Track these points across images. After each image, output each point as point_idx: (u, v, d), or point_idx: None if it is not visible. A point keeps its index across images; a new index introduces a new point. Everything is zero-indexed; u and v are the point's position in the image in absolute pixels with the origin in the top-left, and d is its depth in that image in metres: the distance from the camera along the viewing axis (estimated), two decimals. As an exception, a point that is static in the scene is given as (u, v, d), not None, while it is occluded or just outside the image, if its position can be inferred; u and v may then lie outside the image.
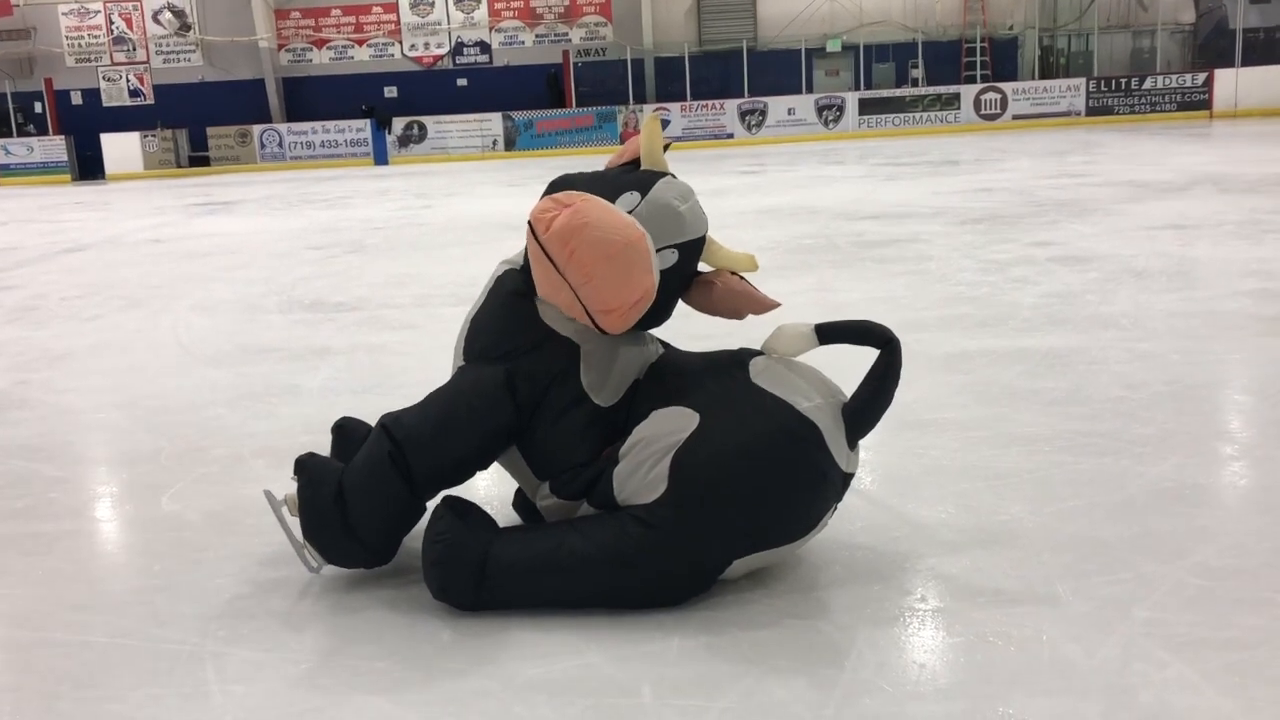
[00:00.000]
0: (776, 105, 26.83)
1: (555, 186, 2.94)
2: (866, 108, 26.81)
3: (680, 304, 3.05)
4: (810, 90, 27.82)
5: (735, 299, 2.97)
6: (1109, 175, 13.32)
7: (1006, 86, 26.71)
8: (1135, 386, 4.52)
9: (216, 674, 2.56)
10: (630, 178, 2.92)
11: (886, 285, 7.10)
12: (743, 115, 26.82)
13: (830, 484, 2.79)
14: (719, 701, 2.34)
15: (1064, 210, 10.19)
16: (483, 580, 2.73)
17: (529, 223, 2.74)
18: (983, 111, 26.48)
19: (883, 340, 2.82)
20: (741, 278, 3.00)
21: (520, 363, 2.85)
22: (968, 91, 26.73)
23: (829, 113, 26.88)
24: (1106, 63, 28.18)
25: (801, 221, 10.49)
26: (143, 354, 6.29)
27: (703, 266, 3.03)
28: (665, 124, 26.01)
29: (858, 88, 27.95)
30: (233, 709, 2.40)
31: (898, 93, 27.19)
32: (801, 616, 2.70)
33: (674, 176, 2.96)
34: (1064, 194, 11.48)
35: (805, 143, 25.51)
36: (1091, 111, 26.22)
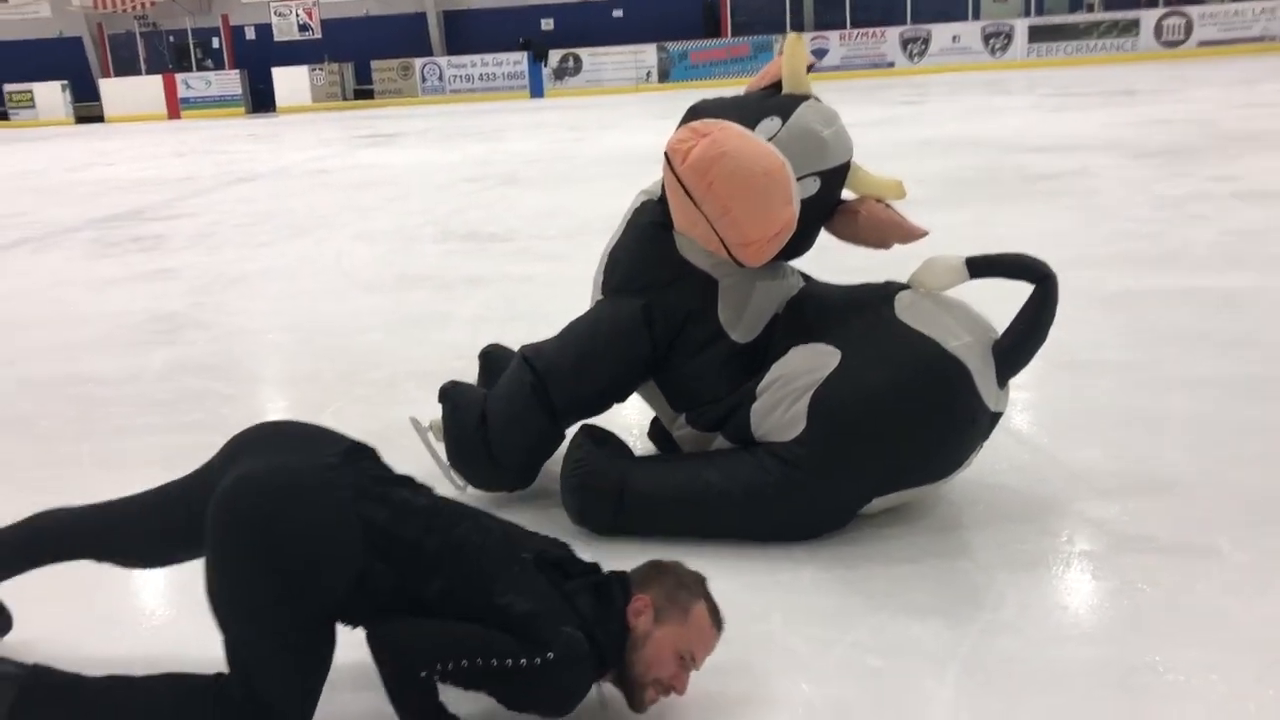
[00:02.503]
0: (940, 33, 25.75)
1: (694, 113, 2.89)
2: (1037, 35, 25.49)
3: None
4: (977, 17, 26.59)
5: (881, 228, 2.87)
6: (1304, 104, 12.37)
7: (1192, 10, 24.94)
8: (1318, 330, 4.23)
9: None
10: (771, 102, 2.85)
11: (1051, 220, 6.79)
12: (904, 44, 25.88)
13: (977, 424, 2.70)
14: (851, 634, 2.33)
15: (1250, 143, 9.52)
16: (620, 507, 2.77)
17: (665, 154, 2.70)
18: (1164, 38, 24.84)
19: (1038, 275, 2.69)
20: (888, 205, 2.90)
21: (657, 296, 2.83)
22: (1148, 17, 25.08)
23: (996, 41, 25.68)
24: (1310, -19, 26.00)
25: (962, 153, 10.12)
26: (307, 280, 6.56)
27: (847, 194, 2.95)
28: (823, 53, 25.36)
29: (1028, 14, 26.59)
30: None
31: (1071, 19, 25.74)
32: (941, 555, 2.66)
33: (818, 99, 2.88)
34: (1252, 125, 10.72)
35: (970, 72, 24.48)
36: (1289, 36, 24.28)
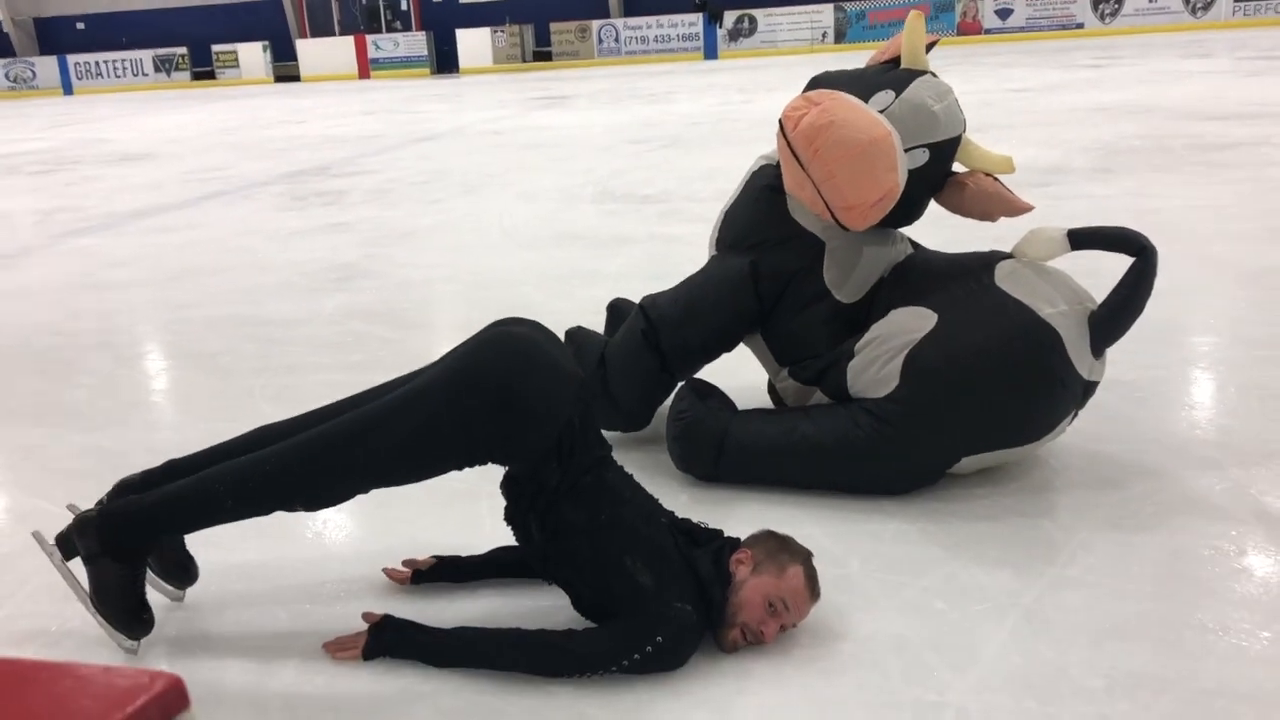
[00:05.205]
0: (1136, -9, 24.52)
1: (814, 84, 3.04)
2: (1244, -8, 23.96)
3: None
4: (1178, -27, 25.16)
5: (987, 200, 2.97)
6: None
7: None
8: None
9: (489, 510, 2.96)
10: (887, 76, 2.97)
11: (1211, 192, 6.56)
12: (1095, 3, 24.73)
13: (1068, 391, 2.79)
14: (922, 580, 2.48)
15: None
16: (720, 456, 2.98)
17: (779, 120, 2.88)
18: (1390, -5, 22.94)
19: (1137, 247, 2.76)
20: (995, 179, 2.99)
21: (765, 255, 3.02)
22: (1374, -28, 23.20)
23: (1198, -1, 24.25)
24: None
25: (1135, 120, 9.75)
26: (470, 235, 6.96)
27: (959, 167, 3.05)
28: (1007, 13, 24.51)
29: (1236, -30, 24.96)
30: (497, 538, 2.79)
31: (1285, -25, 24.04)
32: (1025, 514, 2.77)
33: (934, 75, 2.99)
34: None
35: (1166, 33, 23.24)
36: None
